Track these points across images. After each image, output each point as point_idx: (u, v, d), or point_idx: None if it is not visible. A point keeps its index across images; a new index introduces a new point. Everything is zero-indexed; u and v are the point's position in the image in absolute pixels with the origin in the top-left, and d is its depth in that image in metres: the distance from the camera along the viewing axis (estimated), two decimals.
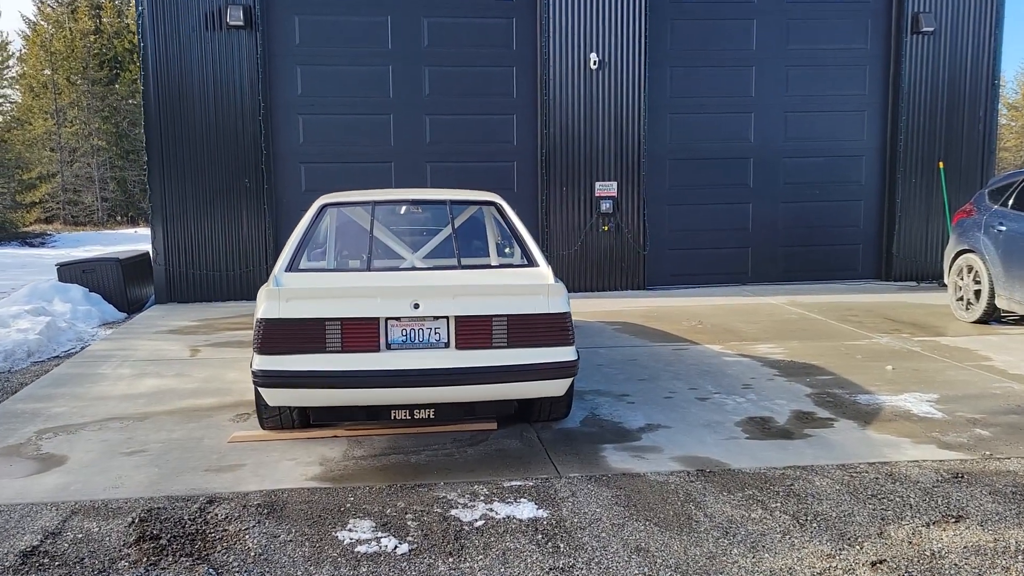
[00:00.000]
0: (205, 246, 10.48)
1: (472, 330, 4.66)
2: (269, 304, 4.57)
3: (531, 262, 5.25)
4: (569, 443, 5.10)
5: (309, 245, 5.83)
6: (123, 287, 10.18)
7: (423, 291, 4.65)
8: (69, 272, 10.14)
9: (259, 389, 4.63)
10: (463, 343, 4.66)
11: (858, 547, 3.69)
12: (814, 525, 3.91)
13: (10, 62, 37.45)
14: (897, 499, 4.20)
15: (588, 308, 10.04)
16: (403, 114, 11.19)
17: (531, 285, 4.83)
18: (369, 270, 5.11)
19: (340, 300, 4.61)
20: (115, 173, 39.64)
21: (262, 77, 10.60)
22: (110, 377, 6.77)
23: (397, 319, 4.65)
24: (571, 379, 4.80)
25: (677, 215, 11.74)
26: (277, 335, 4.55)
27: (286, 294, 4.58)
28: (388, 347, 4.65)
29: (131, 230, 33.82)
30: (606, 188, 11.31)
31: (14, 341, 7.59)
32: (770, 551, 3.66)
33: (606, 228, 11.36)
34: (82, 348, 8.16)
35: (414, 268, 5.41)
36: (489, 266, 5.85)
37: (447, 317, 4.67)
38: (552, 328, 4.71)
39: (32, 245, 29.38)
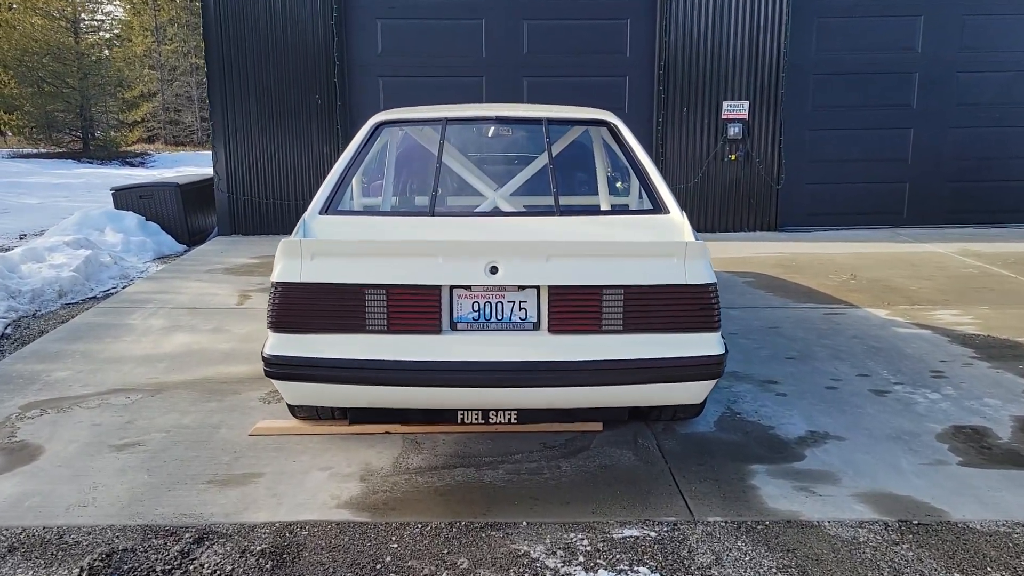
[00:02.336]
0: (271, 172, 9.29)
1: (573, 307, 3.23)
2: (288, 263, 3.24)
3: (659, 207, 3.74)
4: (703, 459, 3.66)
5: (356, 179, 4.48)
6: (183, 216, 9.15)
7: (504, 248, 3.23)
8: (125, 198, 9.16)
9: (273, 381, 3.34)
10: (559, 325, 3.23)
11: None
12: None
13: None
14: None
15: (711, 253, 8.40)
16: (497, 18, 9.59)
17: (661, 243, 3.33)
18: (432, 214, 3.70)
19: (387, 259, 3.24)
20: None
21: None
22: (137, 330, 5.67)
23: (467, 288, 3.26)
24: (714, 381, 3.33)
25: (819, 142, 9.82)
26: (298, 307, 3.23)
27: (311, 248, 3.24)
28: (453, 327, 3.28)
29: None
30: (735, 109, 9.51)
31: (44, 279, 6.59)
32: None
33: (733, 157, 9.59)
34: (124, 287, 7.14)
35: (495, 212, 3.97)
36: (599, 211, 4.34)
37: (538, 287, 3.25)
38: (691, 307, 3.23)
39: (132, 165, 29.42)
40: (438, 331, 3.24)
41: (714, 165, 9.63)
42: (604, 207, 4.35)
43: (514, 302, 3.28)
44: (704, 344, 3.24)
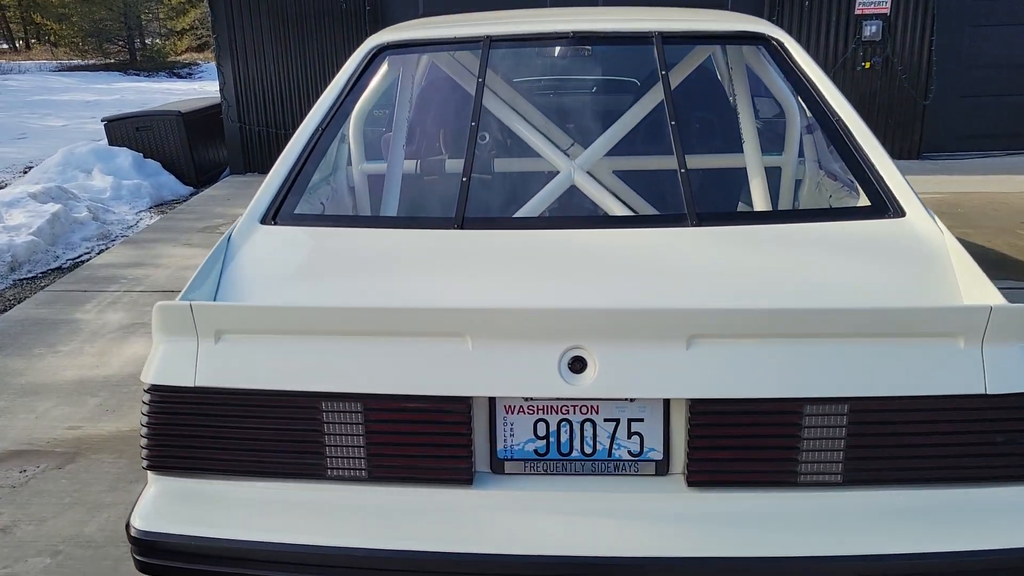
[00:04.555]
0: (288, 95, 7.62)
1: (740, 438, 1.57)
2: (172, 349, 1.65)
3: (885, 203, 2.01)
4: None
5: (355, 134, 2.85)
6: (188, 151, 7.62)
7: (598, 323, 1.56)
8: (119, 130, 7.65)
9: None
10: (710, 472, 1.60)
11: None
12: None
13: None
14: None
15: None
16: None
17: (926, 311, 1.59)
18: (461, 225, 2.00)
19: (364, 342, 1.61)
20: None
21: None
22: (84, 330, 4.21)
23: (526, 400, 1.63)
24: None
25: (981, 42, 7.64)
26: (194, 433, 1.66)
27: (217, 320, 1.63)
28: (496, 468, 1.67)
29: None
30: (873, 1, 7.41)
31: None
32: None
33: (868, 64, 7.54)
34: (98, 253, 5.69)
35: (572, 218, 2.26)
36: (768, 215, 2.39)
37: (667, 401, 1.60)
38: (992, 437, 1.55)
39: (179, 76, 28.27)
40: (467, 480, 1.63)
41: (842, 75, 7.58)
42: (760, 199, 2.47)
43: (617, 422, 1.64)
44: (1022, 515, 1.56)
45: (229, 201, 6.78)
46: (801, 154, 2.98)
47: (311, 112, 2.39)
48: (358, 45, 7.39)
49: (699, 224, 1.96)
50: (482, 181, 2.90)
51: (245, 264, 1.89)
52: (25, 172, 9.48)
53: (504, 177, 2.92)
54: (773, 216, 2.09)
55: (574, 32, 2.49)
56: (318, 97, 2.48)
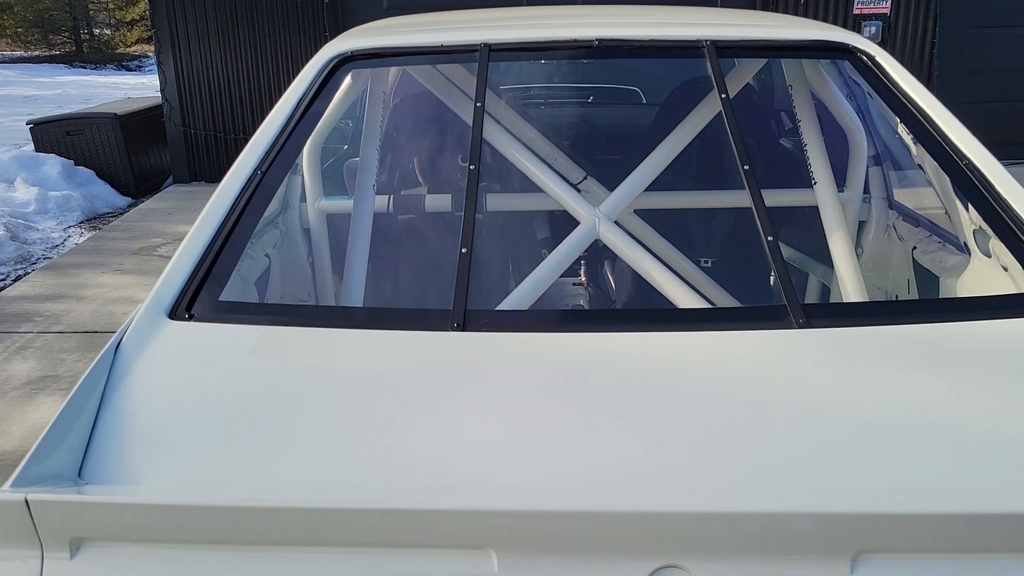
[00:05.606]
0: (237, 95, 6.87)
1: None
2: None
3: None
4: None
5: (310, 166, 2.24)
6: (126, 158, 6.85)
7: (703, 530, 0.94)
8: (47, 135, 6.85)
9: None
10: None
11: None
12: None
13: None
14: None
15: None
16: None
17: None
18: (462, 325, 1.37)
19: (323, 557, 0.97)
20: None
21: None
22: None
23: None
24: None
25: (984, 45, 7.18)
26: None
27: (74, 519, 0.98)
28: None
29: None
30: (873, 0, 6.92)
31: None
32: None
33: None
34: (14, 280, 4.94)
35: (619, 313, 1.67)
36: (907, 311, 1.50)
37: None
38: None
39: (128, 69, 27.35)
40: None
41: None
42: (845, 264, 1.83)
43: None
44: None
45: (171, 216, 6.04)
46: (866, 191, 2.42)
47: (250, 143, 1.74)
48: (315, 40, 6.48)
49: (808, 323, 1.35)
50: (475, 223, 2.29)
51: (137, 399, 1.24)
52: None
53: (503, 219, 2.30)
54: (905, 310, 1.50)
55: (600, 40, 1.88)
56: (270, 99, 1.87)
